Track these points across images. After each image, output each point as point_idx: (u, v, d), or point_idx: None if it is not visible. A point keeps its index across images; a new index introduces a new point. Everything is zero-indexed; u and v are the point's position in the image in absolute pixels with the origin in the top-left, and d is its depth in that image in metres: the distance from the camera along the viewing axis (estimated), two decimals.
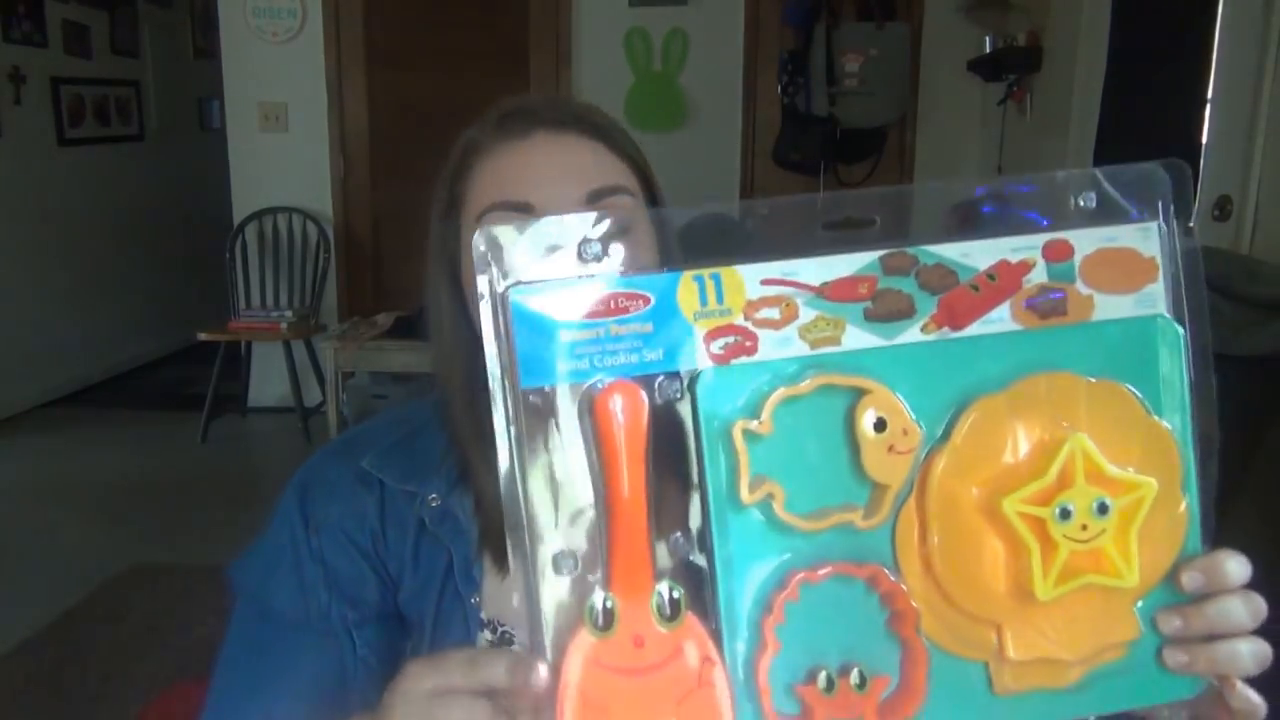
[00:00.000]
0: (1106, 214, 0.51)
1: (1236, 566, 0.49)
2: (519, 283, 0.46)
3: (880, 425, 0.47)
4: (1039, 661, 0.49)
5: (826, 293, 0.47)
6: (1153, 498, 0.48)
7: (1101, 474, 0.48)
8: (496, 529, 0.70)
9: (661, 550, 0.47)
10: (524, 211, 0.67)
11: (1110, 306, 0.50)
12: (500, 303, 0.46)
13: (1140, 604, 0.50)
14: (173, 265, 5.30)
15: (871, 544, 0.48)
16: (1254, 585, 0.50)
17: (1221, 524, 0.52)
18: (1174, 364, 0.50)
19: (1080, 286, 0.50)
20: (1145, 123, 2.58)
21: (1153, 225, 0.51)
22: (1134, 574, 0.48)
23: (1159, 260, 0.50)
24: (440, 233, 0.73)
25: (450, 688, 0.48)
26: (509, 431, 0.46)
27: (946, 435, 0.48)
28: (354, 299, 4.25)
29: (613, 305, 0.46)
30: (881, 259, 0.48)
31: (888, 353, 0.48)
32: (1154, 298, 0.50)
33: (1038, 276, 0.49)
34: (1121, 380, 0.49)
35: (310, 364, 4.13)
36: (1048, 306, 0.49)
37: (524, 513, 0.46)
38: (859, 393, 0.47)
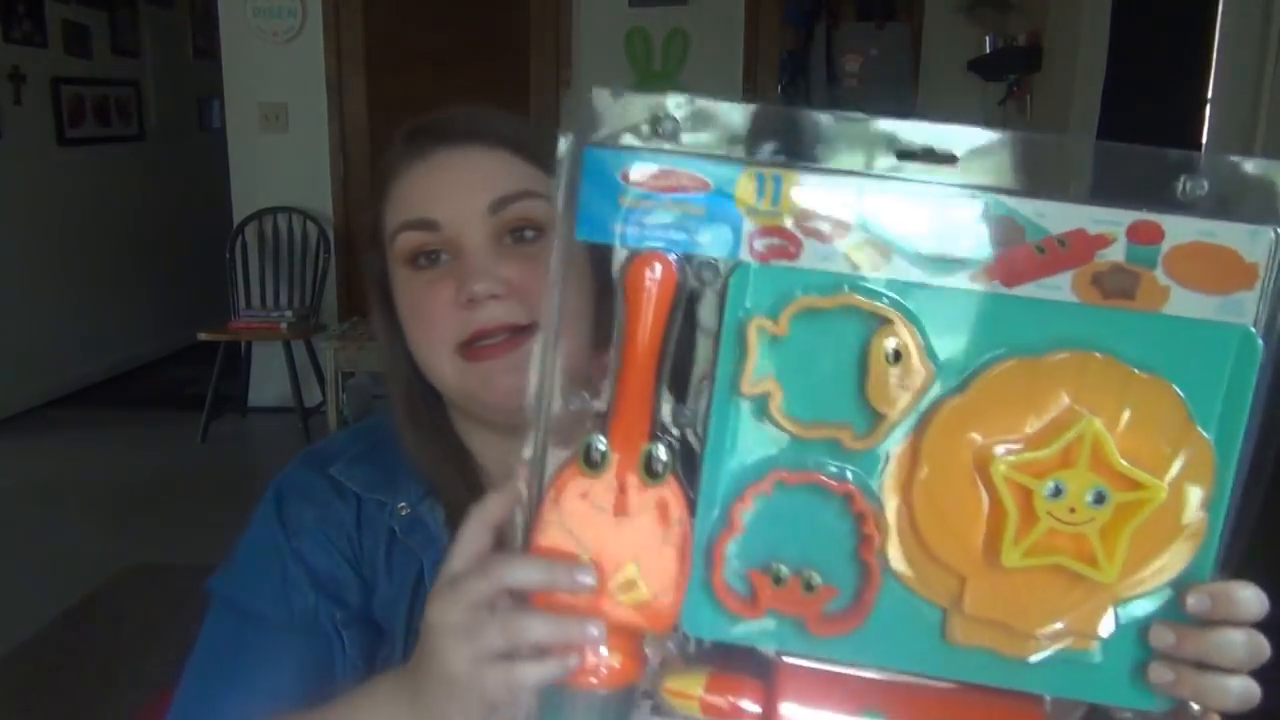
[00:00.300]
0: (1214, 209, 0.46)
1: (1250, 600, 0.47)
2: (596, 141, 0.49)
3: (894, 357, 0.47)
4: (994, 624, 0.48)
5: (882, 219, 0.47)
6: (1159, 502, 0.46)
7: (1109, 465, 0.46)
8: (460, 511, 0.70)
9: (666, 415, 0.50)
10: (431, 229, 0.69)
11: (1188, 303, 0.46)
12: (575, 159, 0.49)
13: (1124, 606, 0.49)
14: (173, 265, 5.30)
15: (855, 466, 0.49)
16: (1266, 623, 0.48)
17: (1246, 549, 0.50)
18: (1243, 380, 0.46)
19: (1159, 275, 0.46)
20: (1145, 123, 2.58)
21: (1266, 230, 0.46)
22: (1113, 570, 0.47)
23: (1262, 269, 0.46)
24: (370, 258, 0.75)
25: (479, 603, 0.52)
26: (559, 277, 0.50)
27: (964, 386, 0.47)
28: (354, 299, 4.25)
29: (673, 183, 0.48)
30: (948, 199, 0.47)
31: (926, 291, 0.47)
32: (1242, 306, 0.46)
33: (1114, 254, 0.46)
34: (1174, 381, 0.47)
35: (310, 364, 4.13)
36: (1115, 286, 0.46)
37: (556, 358, 0.51)
38: (881, 320, 0.47)
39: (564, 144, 0.49)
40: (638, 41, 3.96)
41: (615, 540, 0.51)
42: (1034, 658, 0.49)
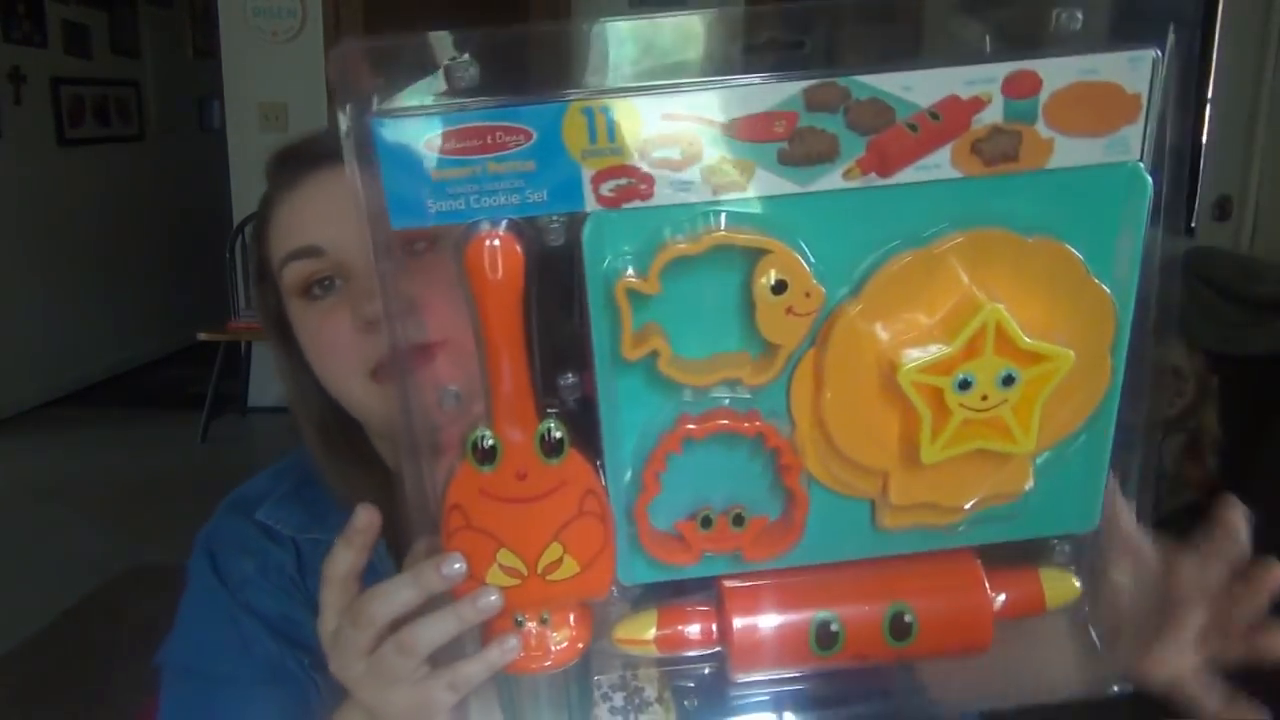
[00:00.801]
0: (1095, 39, 0.43)
1: None
2: (382, 111, 0.41)
3: (780, 287, 0.43)
4: (921, 505, 0.49)
5: (735, 130, 0.41)
6: (1067, 369, 0.45)
7: (1014, 346, 0.44)
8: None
9: (559, 386, 0.47)
10: (316, 256, 0.66)
11: (1073, 151, 0.43)
12: (361, 134, 0.41)
13: (1040, 460, 0.50)
14: (173, 265, 5.30)
15: (760, 400, 0.47)
16: None
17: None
18: (1135, 218, 0.44)
19: (1041, 127, 0.42)
20: None
21: (1146, 54, 0.42)
22: (1030, 442, 0.46)
23: (1145, 97, 0.42)
24: (261, 293, 0.73)
25: (368, 648, 0.51)
26: (380, 273, 0.45)
27: (857, 291, 0.44)
28: None
29: (490, 140, 0.41)
30: (805, 91, 0.41)
31: (799, 202, 0.42)
32: (1128, 142, 0.43)
33: (991, 115, 0.42)
34: (1066, 237, 0.45)
35: None
36: (995, 151, 0.42)
37: (403, 360, 0.48)
38: (759, 252, 0.43)
39: (343, 121, 0.41)
40: None
41: (531, 525, 0.49)
42: (964, 519, 0.50)
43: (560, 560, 0.49)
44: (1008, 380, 0.45)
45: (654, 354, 0.45)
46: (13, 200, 4.35)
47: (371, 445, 0.74)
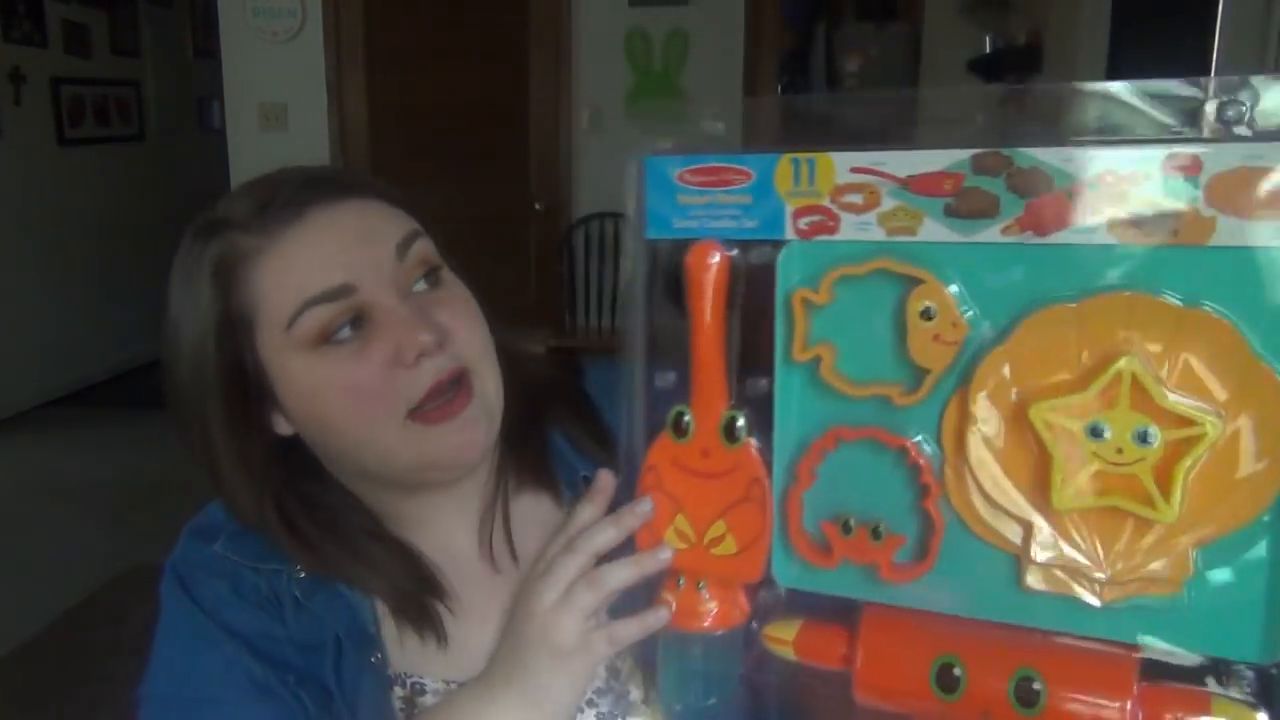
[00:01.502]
0: (1257, 132, 0.44)
1: None
2: (652, 151, 0.56)
3: (928, 314, 0.50)
4: (1066, 569, 0.48)
5: (911, 185, 0.49)
6: (1213, 438, 0.44)
7: (1152, 402, 0.45)
8: (394, 584, 0.68)
9: (748, 384, 0.56)
10: (344, 296, 0.61)
11: (1237, 231, 0.43)
12: (639, 171, 0.57)
13: (1209, 549, 0.46)
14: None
15: (906, 420, 0.51)
16: None
17: None
18: None
19: (1201, 207, 0.44)
20: None
21: None
22: (1171, 510, 0.45)
23: None
24: (219, 365, 0.64)
25: (569, 577, 0.59)
26: (637, 275, 0.57)
27: (1004, 336, 0.48)
28: None
29: (721, 178, 0.54)
30: (973, 157, 0.48)
31: (956, 249, 0.49)
32: None
33: (1149, 191, 0.44)
34: (1234, 314, 0.44)
35: None
36: (1154, 224, 0.44)
37: (641, 343, 0.58)
38: (913, 281, 0.50)
39: (633, 163, 0.57)
40: (638, 41, 3.96)
41: (704, 499, 0.57)
42: (1114, 603, 0.48)
43: (723, 537, 0.57)
44: (1143, 437, 0.45)
45: (818, 360, 0.53)
46: (13, 200, 4.35)
47: (333, 504, 0.70)
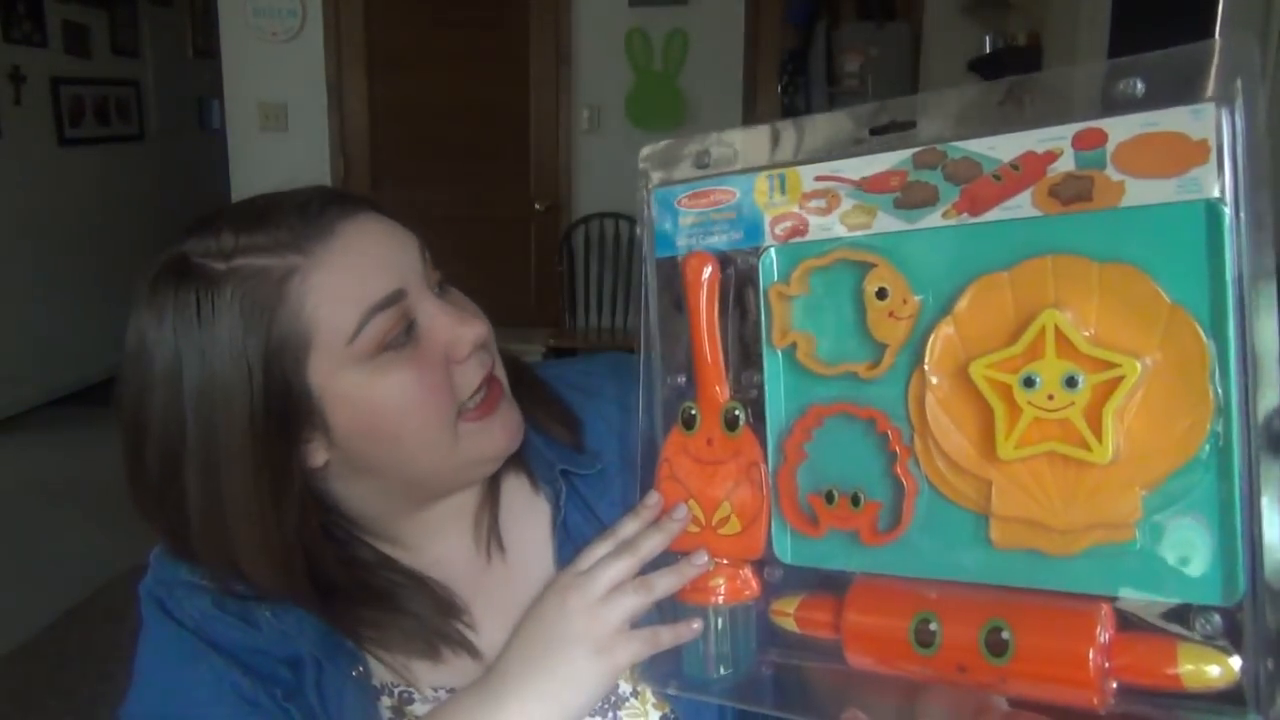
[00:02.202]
0: (1156, 102, 0.47)
1: None
2: (659, 183, 0.64)
3: (882, 294, 0.55)
4: (1028, 523, 0.51)
5: (864, 185, 0.56)
6: (1136, 377, 0.47)
7: (1075, 349, 0.49)
8: (422, 623, 0.68)
9: (744, 378, 0.62)
10: (399, 299, 0.61)
11: (1144, 191, 0.47)
12: (648, 201, 0.64)
13: (1157, 491, 0.48)
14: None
15: (873, 392, 0.56)
16: None
17: None
18: (1218, 249, 0.46)
19: (1110, 172, 0.48)
20: None
21: (1206, 106, 0.46)
22: (1105, 450, 0.48)
23: (1211, 141, 0.46)
24: (255, 400, 0.60)
25: (617, 579, 0.63)
26: (646, 290, 0.65)
27: (950, 308, 0.53)
28: None
29: (712, 198, 0.61)
30: (914, 155, 0.54)
31: (905, 235, 0.55)
32: (1200, 181, 0.46)
33: (1064, 165, 0.49)
34: (1150, 267, 0.48)
35: None
36: (1070, 193, 0.49)
37: (656, 349, 0.65)
38: (868, 266, 0.56)
39: (643, 194, 0.65)
40: (638, 41, 3.96)
41: (710, 484, 0.63)
42: (1076, 553, 0.50)
43: (728, 518, 0.62)
44: (1071, 381, 0.49)
45: (794, 345, 0.59)
46: (13, 200, 4.35)
47: (357, 542, 0.69)
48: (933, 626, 0.54)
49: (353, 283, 0.60)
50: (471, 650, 0.68)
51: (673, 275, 0.64)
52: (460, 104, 4.05)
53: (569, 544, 0.71)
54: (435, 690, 0.68)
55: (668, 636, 0.64)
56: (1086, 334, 0.49)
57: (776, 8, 3.95)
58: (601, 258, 4.03)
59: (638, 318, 0.66)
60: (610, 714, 0.69)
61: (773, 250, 0.60)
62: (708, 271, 0.62)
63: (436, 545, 0.71)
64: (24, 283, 4.42)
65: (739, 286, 0.62)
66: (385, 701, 0.68)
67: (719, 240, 0.62)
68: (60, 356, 4.65)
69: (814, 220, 0.58)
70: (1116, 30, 2.80)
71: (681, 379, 0.65)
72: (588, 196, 4.11)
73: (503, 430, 0.66)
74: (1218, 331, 0.46)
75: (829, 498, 0.58)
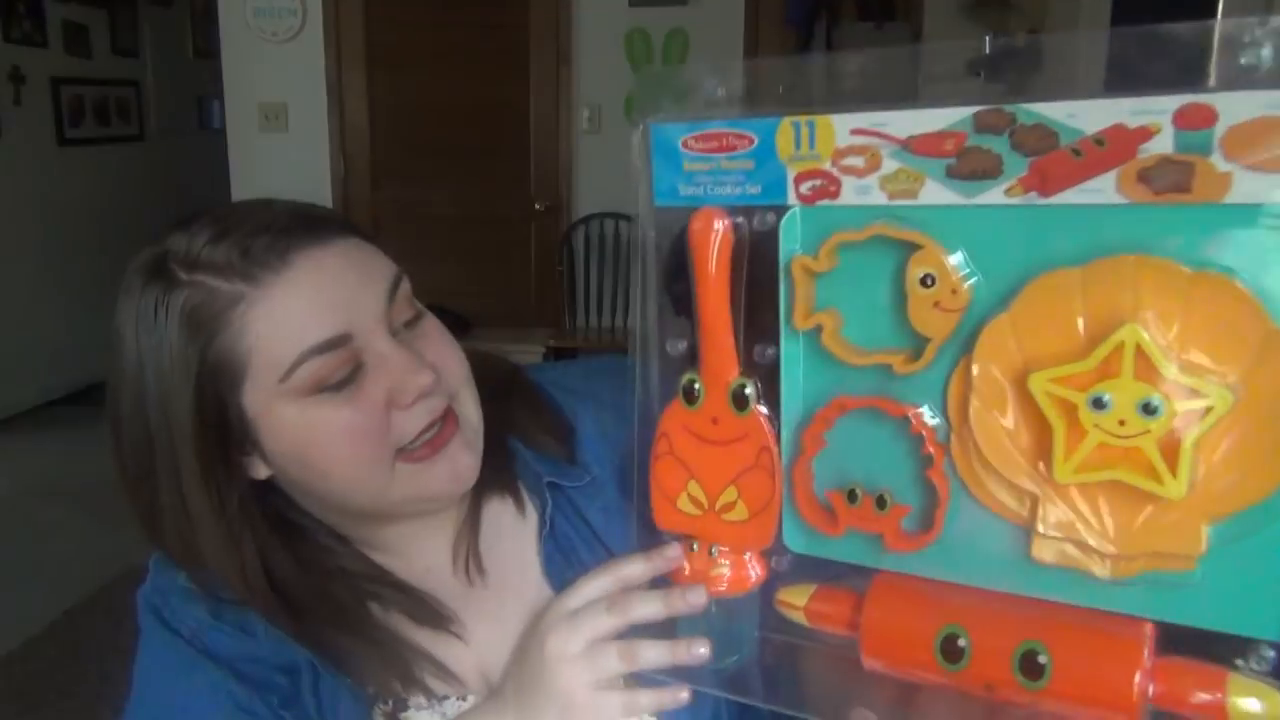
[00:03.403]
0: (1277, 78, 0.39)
1: None
2: (657, 118, 0.55)
3: (928, 281, 0.48)
4: (1075, 543, 0.46)
5: (911, 146, 0.47)
6: (1223, 410, 0.42)
7: (1157, 372, 0.42)
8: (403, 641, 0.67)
9: (756, 352, 0.56)
10: (342, 344, 0.59)
11: (1257, 187, 0.40)
12: (644, 136, 0.55)
13: (1224, 525, 0.44)
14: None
15: (908, 388, 0.50)
16: None
17: None
18: None
19: (1217, 160, 0.40)
20: None
21: None
22: (1179, 485, 0.43)
23: None
24: (194, 413, 0.60)
25: (600, 635, 0.59)
26: (642, 248, 0.57)
27: (1008, 303, 0.46)
28: None
29: (724, 143, 0.53)
30: (975, 115, 0.45)
31: (958, 212, 0.46)
32: None
33: (1160, 146, 0.41)
34: (1253, 278, 0.41)
35: None
36: (1165, 181, 0.41)
37: (652, 317, 0.58)
38: (913, 246, 0.48)
39: (638, 131, 0.56)
40: (638, 41, 3.96)
41: (715, 465, 0.57)
42: (1125, 578, 0.46)
43: (734, 504, 0.57)
44: (1148, 409, 0.43)
45: (820, 327, 0.52)
46: (13, 200, 4.35)
47: (325, 550, 0.68)
48: (961, 642, 0.50)
49: (294, 322, 0.59)
50: (449, 675, 0.68)
51: (674, 228, 0.56)
52: (460, 104, 4.04)
53: (557, 554, 0.70)
54: (429, 699, 0.68)
55: (650, 701, 0.60)
56: (1169, 353, 0.43)
57: (776, 8, 3.95)
58: (601, 258, 4.02)
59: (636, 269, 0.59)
60: None
61: (797, 212, 0.52)
62: (719, 231, 0.54)
63: (416, 558, 0.71)
64: (24, 282, 4.42)
65: (753, 248, 0.54)
66: (380, 708, 0.68)
67: (731, 193, 0.53)
68: (60, 356, 4.64)
69: (848, 181, 0.49)
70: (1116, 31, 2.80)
71: (683, 345, 0.58)
72: (588, 196, 4.10)
73: (447, 473, 0.63)
74: None
75: (851, 496, 0.53)
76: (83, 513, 3.37)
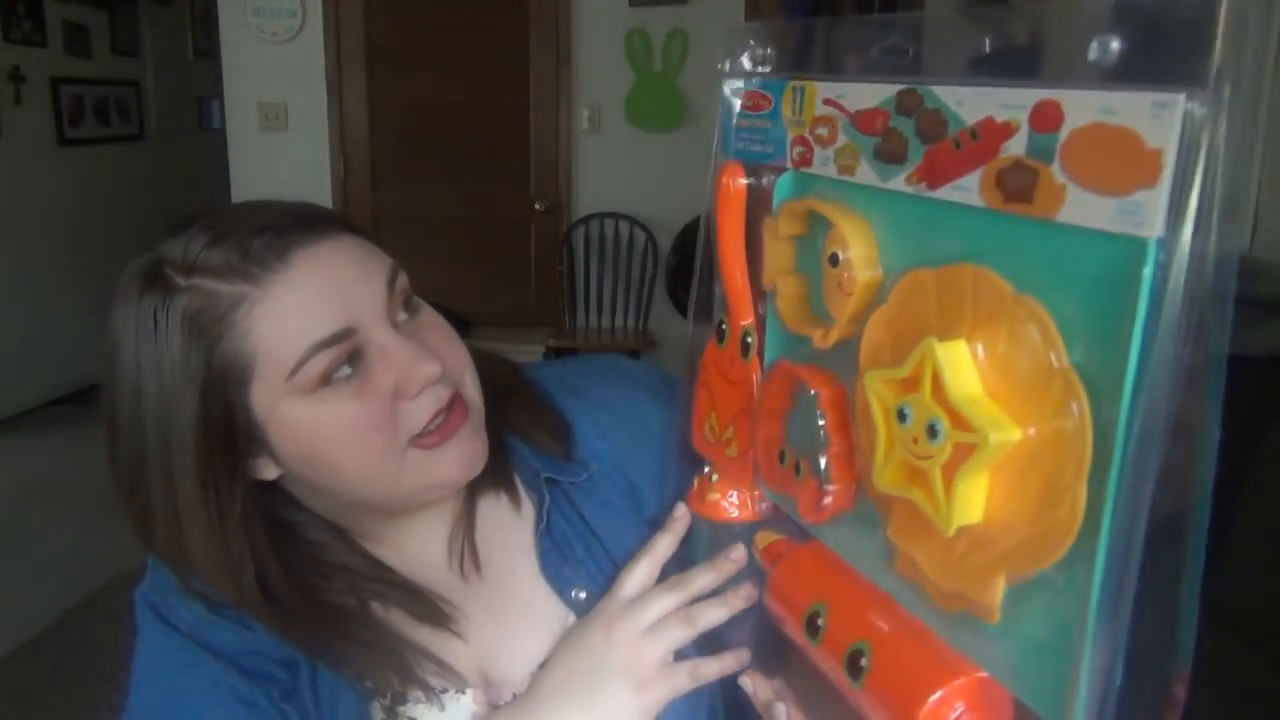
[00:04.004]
0: (1136, 73, 0.33)
1: None
2: (725, 71, 0.57)
3: (834, 260, 0.49)
4: (914, 562, 0.44)
5: (856, 121, 0.47)
6: (990, 449, 0.38)
7: (944, 396, 0.40)
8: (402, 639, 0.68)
9: (760, 307, 0.58)
10: (347, 338, 0.60)
11: (1083, 207, 0.35)
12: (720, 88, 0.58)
13: (1016, 580, 0.40)
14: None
15: (823, 363, 0.52)
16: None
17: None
18: (1129, 311, 0.34)
19: (1056, 171, 0.36)
20: None
21: (1174, 100, 0.32)
22: (946, 519, 0.40)
23: (1167, 155, 0.32)
24: (199, 419, 0.60)
25: (664, 612, 0.64)
26: (711, 202, 0.59)
27: (886, 296, 0.45)
28: None
29: (756, 102, 0.55)
30: (898, 94, 0.44)
31: (876, 194, 0.46)
32: (1140, 211, 0.33)
33: (1016, 146, 0.38)
34: (1056, 310, 0.37)
35: None
36: (1014, 186, 0.38)
37: (714, 252, 0.60)
38: (830, 224, 0.49)
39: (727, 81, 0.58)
40: (638, 41, 3.96)
41: (726, 402, 0.62)
42: (952, 612, 0.43)
43: (731, 440, 0.61)
44: (932, 431, 0.40)
45: (774, 291, 0.54)
46: (13, 200, 4.35)
47: (319, 560, 0.68)
48: (820, 622, 0.53)
49: (298, 317, 0.59)
50: (447, 670, 0.68)
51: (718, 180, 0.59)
52: (460, 104, 4.04)
53: (553, 550, 0.71)
54: (427, 693, 0.68)
55: (712, 668, 0.64)
56: (984, 379, 0.40)
57: (776, 8, 3.95)
58: (601, 258, 4.02)
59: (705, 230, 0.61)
60: None
61: (786, 176, 0.53)
62: (735, 185, 0.57)
63: (413, 553, 0.71)
64: (24, 282, 4.42)
65: (764, 206, 0.56)
66: (378, 703, 0.68)
67: (758, 150, 0.55)
68: (60, 356, 4.64)
69: (818, 152, 0.49)
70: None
71: (721, 289, 0.62)
72: (588, 196, 4.10)
73: (457, 459, 0.64)
74: (1110, 417, 0.35)
75: (781, 457, 0.56)
76: (83, 513, 3.37)
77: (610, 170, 4.06)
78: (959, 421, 0.39)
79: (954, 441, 0.40)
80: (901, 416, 0.42)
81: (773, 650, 0.61)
